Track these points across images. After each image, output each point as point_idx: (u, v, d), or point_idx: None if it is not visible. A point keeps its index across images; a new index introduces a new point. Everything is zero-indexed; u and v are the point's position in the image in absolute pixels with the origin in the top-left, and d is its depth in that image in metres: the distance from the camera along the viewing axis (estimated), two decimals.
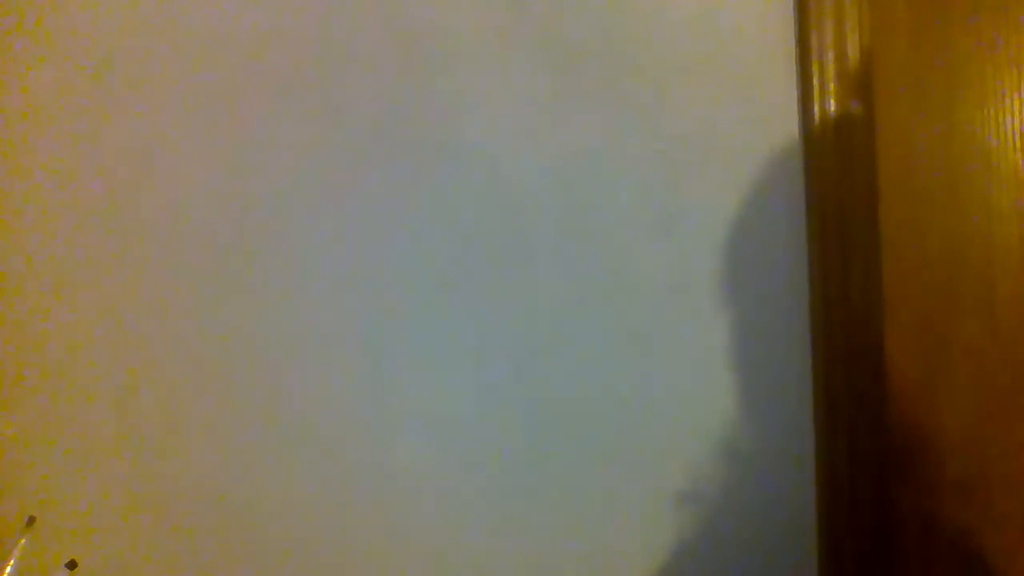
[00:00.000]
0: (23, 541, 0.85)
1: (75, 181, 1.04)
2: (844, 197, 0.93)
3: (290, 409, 1.03)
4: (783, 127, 0.96)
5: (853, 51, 0.93)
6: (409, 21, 0.99)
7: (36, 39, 1.03)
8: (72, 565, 0.89)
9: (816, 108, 0.94)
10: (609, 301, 0.99)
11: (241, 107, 1.02)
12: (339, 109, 1.01)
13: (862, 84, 0.93)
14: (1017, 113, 0.88)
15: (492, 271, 1.00)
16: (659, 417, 0.99)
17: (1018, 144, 0.89)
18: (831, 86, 0.94)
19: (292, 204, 1.02)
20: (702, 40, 0.96)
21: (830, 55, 0.93)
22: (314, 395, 1.03)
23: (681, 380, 0.99)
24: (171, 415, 1.04)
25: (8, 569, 0.83)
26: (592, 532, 1.01)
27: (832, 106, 0.94)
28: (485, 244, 1.00)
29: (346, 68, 1.00)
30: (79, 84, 1.03)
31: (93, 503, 1.05)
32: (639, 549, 1.00)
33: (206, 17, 1.02)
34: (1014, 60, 0.88)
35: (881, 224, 0.93)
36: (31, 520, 0.89)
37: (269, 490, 1.04)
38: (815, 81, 0.94)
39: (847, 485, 0.94)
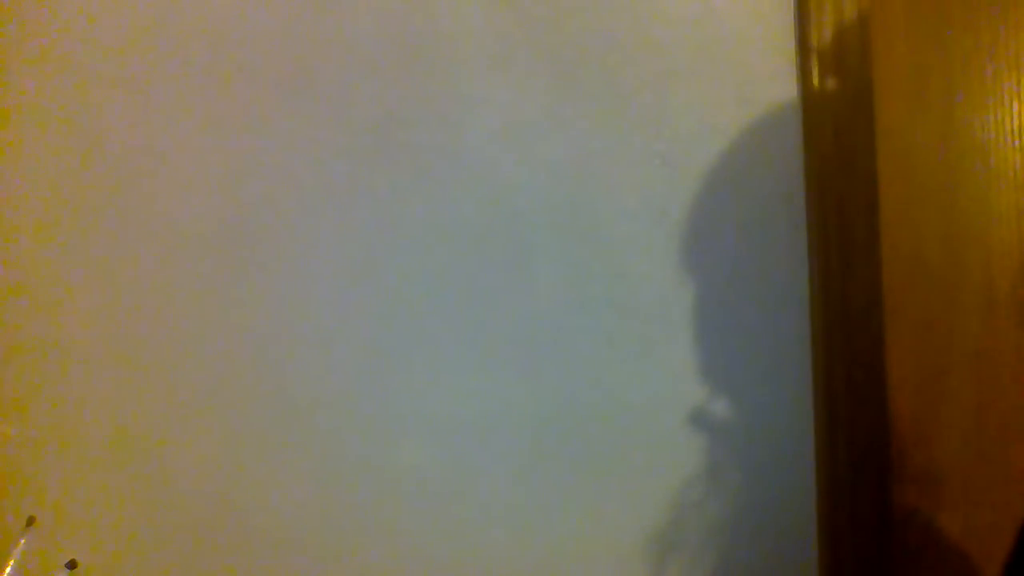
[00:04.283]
0: (23, 541, 0.86)
1: (75, 181, 1.04)
2: (844, 197, 0.93)
3: (291, 411, 1.03)
4: (783, 127, 0.96)
5: (853, 51, 0.93)
6: (410, 23, 1.00)
7: (36, 40, 1.03)
8: (72, 565, 0.89)
9: (816, 108, 0.94)
10: (609, 302, 0.99)
11: (242, 109, 1.02)
12: (340, 111, 1.01)
13: (862, 84, 0.93)
14: (1017, 113, 0.88)
15: (493, 273, 1.00)
16: (659, 417, 0.99)
17: (1018, 144, 0.89)
18: (831, 86, 0.94)
19: (293, 206, 1.02)
20: (702, 40, 0.96)
21: (830, 55, 0.93)
22: (314, 397, 1.03)
23: (681, 380, 0.99)
24: (171, 415, 1.04)
25: (8, 569, 0.83)
26: (593, 533, 1.01)
27: (832, 106, 0.94)
28: (486, 246, 1.00)
29: (347, 70, 1.00)
30: (79, 84, 1.03)
31: (93, 503, 1.05)
32: (640, 550, 1.00)
33: (207, 19, 1.02)
34: (1014, 60, 0.88)
35: (881, 224, 0.93)
36: (31, 520, 0.89)
37: (269, 490, 1.04)
38: (815, 81, 0.94)
39: (847, 485, 0.94)
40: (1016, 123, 0.88)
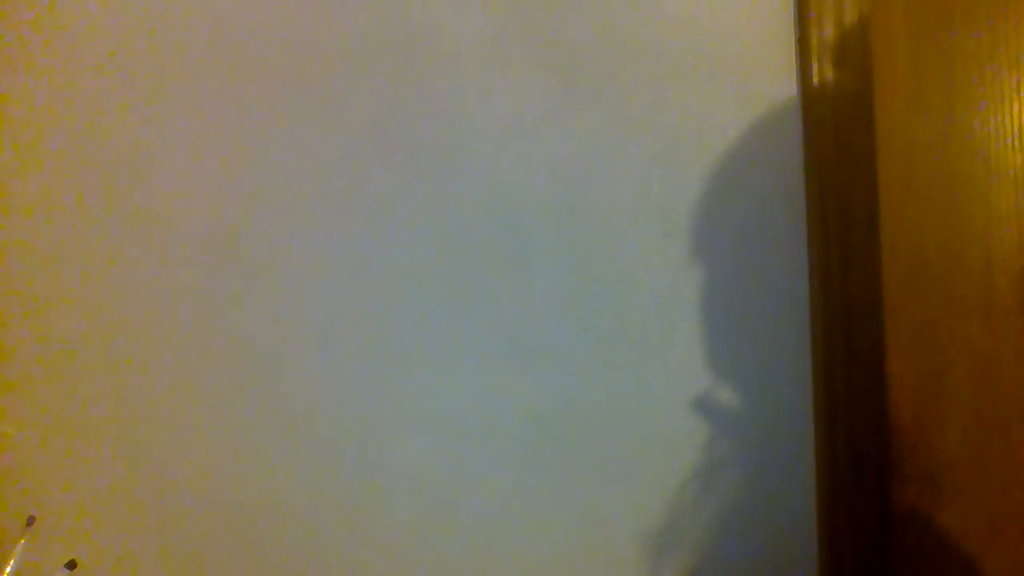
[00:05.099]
0: (23, 541, 0.86)
1: (75, 181, 1.04)
2: (844, 197, 0.93)
3: (290, 410, 1.03)
4: (783, 127, 0.96)
5: (853, 51, 0.93)
6: (408, 23, 0.99)
7: (36, 39, 1.03)
8: (72, 565, 0.89)
9: (816, 108, 0.94)
10: (608, 302, 0.99)
11: (242, 109, 1.02)
12: (339, 110, 1.01)
13: (862, 84, 0.93)
14: (1017, 113, 0.88)
15: (491, 273, 1.00)
16: (659, 418, 0.99)
17: (1018, 144, 0.89)
18: (831, 86, 0.94)
19: (292, 205, 1.02)
20: (701, 40, 0.96)
21: (830, 54, 0.93)
22: (313, 396, 1.03)
23: (681, 381, 0.99)
24: (171, 415, 1.04)
25: (8, 569, 0.83)
26: (591, 533, 1.01)
27: (832, 106, 0.94)
28: (484, 246, 1.00)
29: (346, 69, 1.00)
30: (79, 84, 1.03)
31: (93, 503, 1.05)
32: (639, 550, 1.00)
33: (206, 19, 1.02)
34: (1014, 60, 0.88)
35: (881, 224, 0.93)
36: (31, 520, 0.89)
37: (269, 490, 1.04)
38: (815, 81, 0.94)
39: (847, 485, 0.94)
40: (1016, 123, 0.88)
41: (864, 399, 0.93)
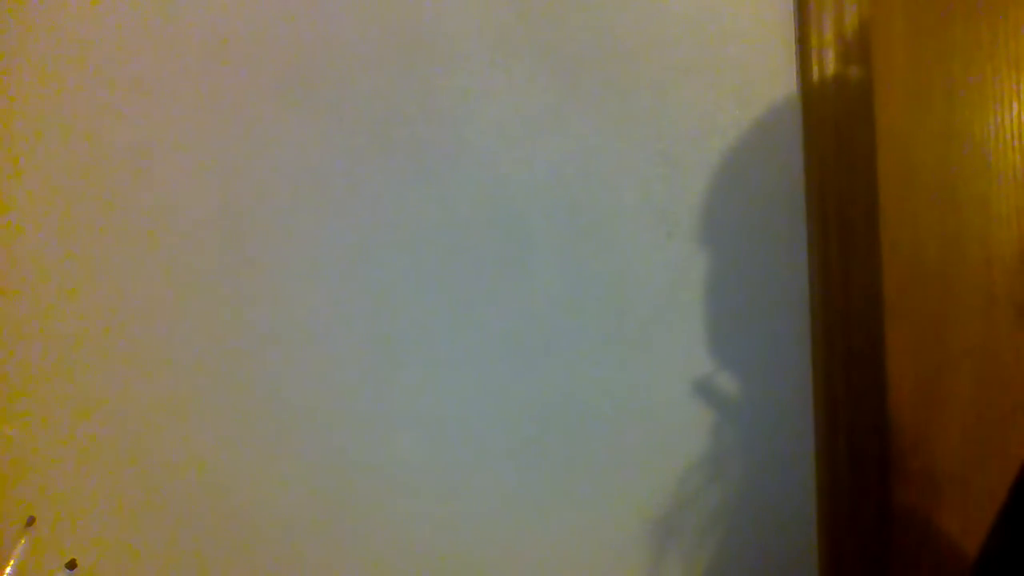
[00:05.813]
0: (23, 541, 0.86)
1: (75, 181, 1.04)
2: (844, 197, 0.93)
3: (290, 409, 1.03)
4: (783, 126, 0.96)
5: (853, 51, 0.93)
6: (410, 22, 0.99)
7: (36, 39, 1.03)
8: (72, 565, 0.89)
9: (816, 108, 0.94)
10: (609, 301, 0.99)
11: (242, 107, 1.02)
12: (340, 110, 1.01)
13: (862, 84, 0.93)
14: (1017, 113, 0.88)
15: (492, 271, 1.00)
16: (658, 417, 0.99)
17: (1018, 144, 0.89)
18: (831, 86, 0.94)
19: (292, 204, 1.02)
20: (702, 40, 0.96)
21: (830, 54, 0.93)
22: (313, 395, 1.03)
23: (680, 381, 0.99)
24: (171, 415, 1.04)
25: (8, 569, 0.83)
26: (590, 532, 1.01)
27: (832, 106, 0.94)
28: (485, 244, 1.00)
29: (347, 69, 1.00)
30: (79, 84, 1.03)
31: (93, 503, 1.05)
32: (638, 549, 1.00)
33: (206, 17, 1.01)
34: (1014, 60, 0.88)
35: (881, 224, 0.93)
36: (31, 520, 0.89)
37: (269, 490, 1.04)
38: (815, 80, 0.94)
39: (847, 485, 0.94)
40: (1016, 123, 0.89)
41: (864, 399, 0.93)
